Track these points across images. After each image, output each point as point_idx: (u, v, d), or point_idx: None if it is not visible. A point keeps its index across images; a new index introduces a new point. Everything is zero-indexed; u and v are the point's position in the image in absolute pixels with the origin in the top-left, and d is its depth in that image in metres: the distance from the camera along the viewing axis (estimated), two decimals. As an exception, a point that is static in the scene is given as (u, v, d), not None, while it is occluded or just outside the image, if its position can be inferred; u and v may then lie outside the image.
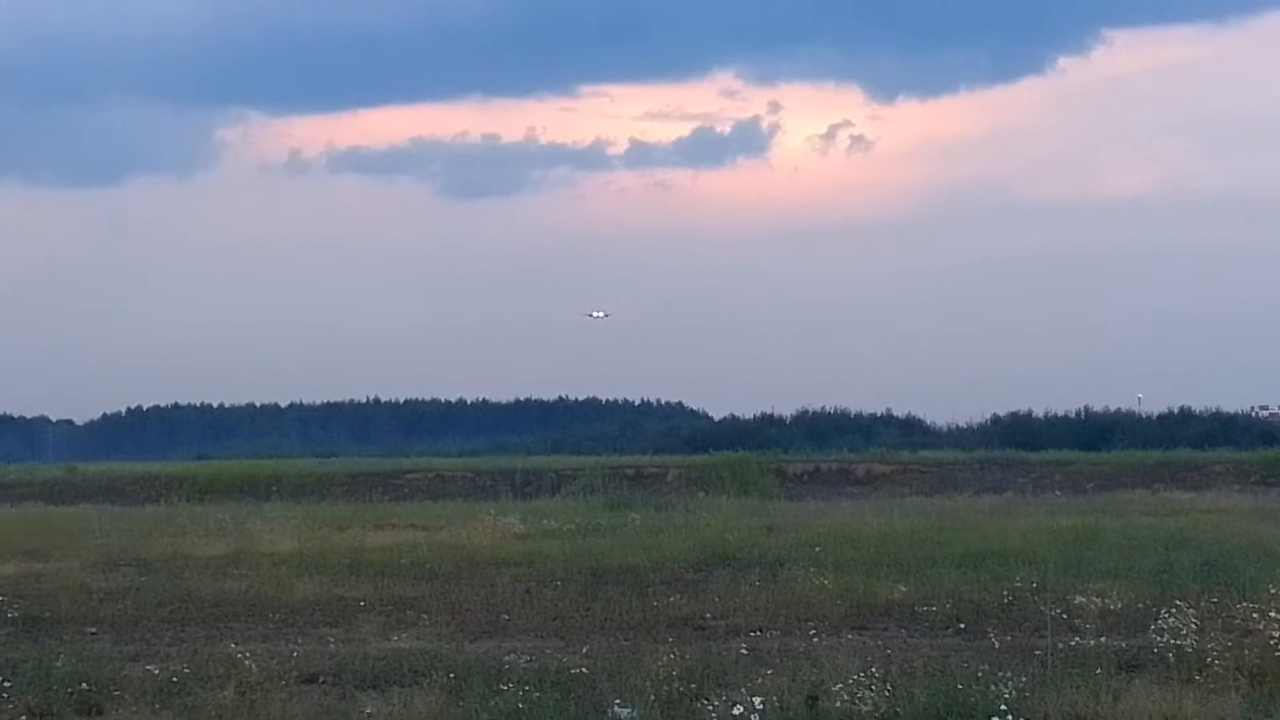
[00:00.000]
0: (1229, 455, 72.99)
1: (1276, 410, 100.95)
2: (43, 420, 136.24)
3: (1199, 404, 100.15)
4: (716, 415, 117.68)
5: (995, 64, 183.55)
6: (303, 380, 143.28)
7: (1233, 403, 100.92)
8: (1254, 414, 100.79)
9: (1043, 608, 21.67)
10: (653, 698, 16.36)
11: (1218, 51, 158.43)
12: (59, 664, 18.93)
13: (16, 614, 24.95)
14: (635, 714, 15.92)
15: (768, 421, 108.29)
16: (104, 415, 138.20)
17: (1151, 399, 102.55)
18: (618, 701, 16.30)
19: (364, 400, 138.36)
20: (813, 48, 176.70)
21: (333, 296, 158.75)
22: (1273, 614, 18.17)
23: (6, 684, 17.46)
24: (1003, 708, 15.14)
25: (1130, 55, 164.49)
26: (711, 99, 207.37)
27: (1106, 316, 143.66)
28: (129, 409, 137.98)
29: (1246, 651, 17.51)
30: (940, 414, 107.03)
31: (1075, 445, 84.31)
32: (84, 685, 17.61)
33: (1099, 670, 17.13)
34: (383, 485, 71.68)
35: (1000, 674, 16.44)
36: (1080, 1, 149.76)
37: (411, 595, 26.95)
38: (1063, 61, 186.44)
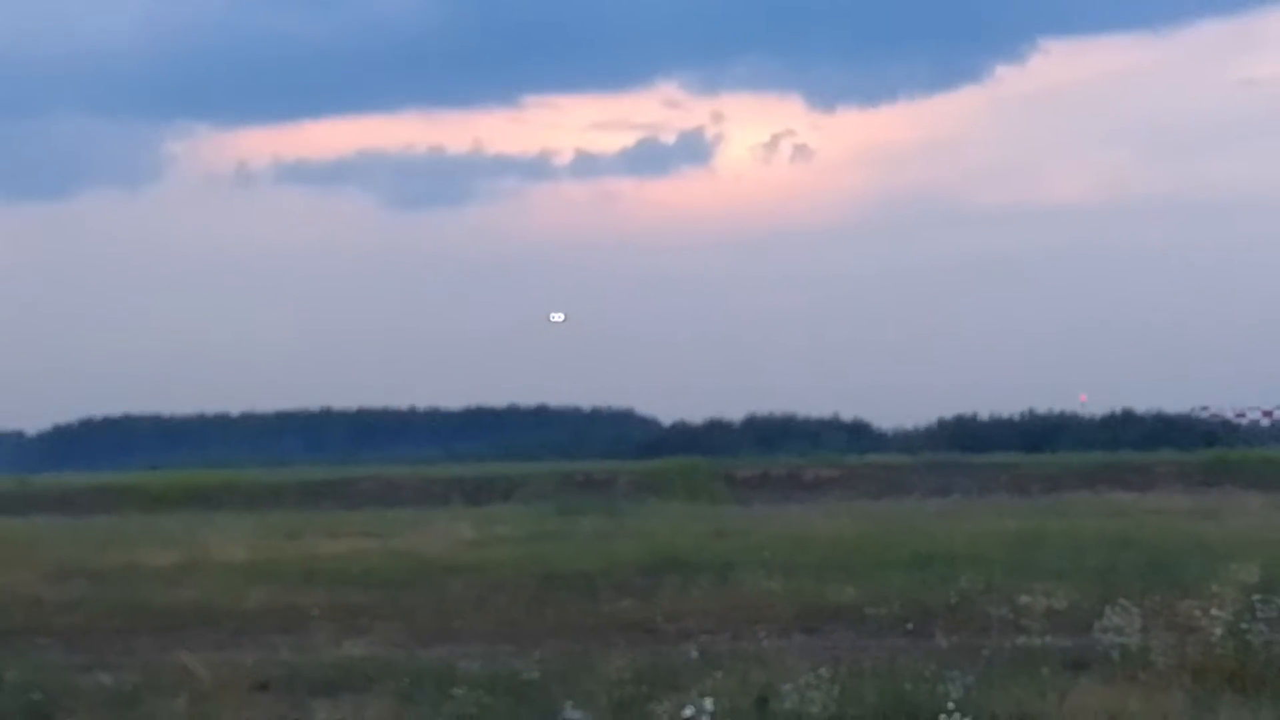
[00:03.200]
0: (1172, 456, 73.56)
1: (1217, 411, 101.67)
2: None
3: (1141, 405, 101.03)
4: (666, 421, 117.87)
5: (934, 73, 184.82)
6: (253, 390, 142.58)
7: (1174, 404, 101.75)
8: (1195, 415, 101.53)
9: (989, 608, 21.89)
10: (605, 701, 16.51)
11: (1154, 59, 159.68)
12: (10, 675, 18.95)
13: (-33, 626, 24.92)
14: (588, 717, 16.08)
15: (716, 427, 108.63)
16: (55, 426, 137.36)
17: (1095, 401, 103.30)
18: (570, 704, 16.45)
19: (315, 409, 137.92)
20: (754, 57, 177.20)
21: (282, 306, 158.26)
22: (1215, 611, 18.39)
23: (-42, 695, 17.50)
24: (950, 706, 15.31)
25: (1067, 64, 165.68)
26: (655, 109, 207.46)
27: (1049, 320, 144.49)
28: (80, 420, 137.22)
29: (1189, 649, 17.74)
30: (887, 418, 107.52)
31: (1020, 447, 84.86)
32: (35, 696, 17.64)
33: (1045, 669, 17.34)
34: (334, 494, 71.58)
35: (948, 673, 16.62)
36: (1017, 11, 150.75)
37: (363, 602, 27.03)
38: (1000, 70, 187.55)
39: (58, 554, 37.88)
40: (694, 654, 19.80)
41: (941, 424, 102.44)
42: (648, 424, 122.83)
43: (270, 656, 21.02)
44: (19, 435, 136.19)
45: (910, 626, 22.98)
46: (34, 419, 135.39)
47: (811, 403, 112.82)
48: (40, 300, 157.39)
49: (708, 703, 15.34)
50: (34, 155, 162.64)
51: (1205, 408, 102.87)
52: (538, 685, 17.55)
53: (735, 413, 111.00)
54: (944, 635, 21.47)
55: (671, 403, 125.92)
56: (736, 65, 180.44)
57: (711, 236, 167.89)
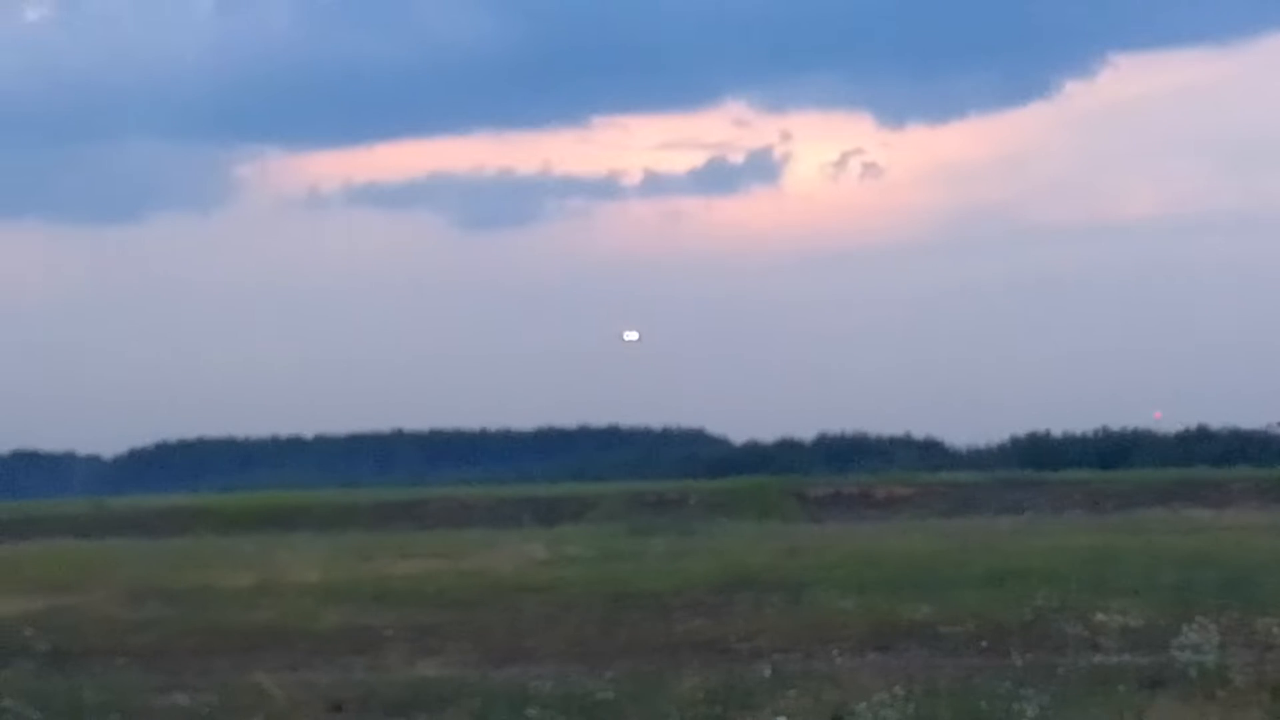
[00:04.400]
0: (1248, 472, 72.80)
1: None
2: (70, 455, 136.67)
3: (1217, 422, 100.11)
4: (737, 440, 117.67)
5: (1003, 89, 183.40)
6: (326, 412, 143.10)
7: (1250, 420, 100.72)
8: (1272, 430, 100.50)
9: (1064, 626, 21.76)
10: (678, 720, 16.52)
11: (1223, 73, 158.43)
12: (88, 696, 19.11)
13: (46, 647, 25.09)
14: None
15: (787, 446, 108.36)
16: (131, 450, 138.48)
17: (1170, 417, 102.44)
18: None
19: (387, 431, 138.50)
20: (822, 75, 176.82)
21: (354, 329, 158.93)
22: (1293, 629, 18.26)
23: (37, 716, 17.65)
24: (1025, 725, 15.26)
25: (1136, 78, 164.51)
26: (724, 128, 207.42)
27: (1122, 336, 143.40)
28: (156, 443, 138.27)
29: (1268, 667, 17.60)
30: (959, 435, 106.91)
31: (1094, 464, 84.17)
32: (113, 717, 17.79)
33: (1121, 688, 17.22)
34: (406, 515, 71.77)
35: (1023, 692, 16.54)
36: (1085, 26, 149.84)
37: (436, 623, 27.10)
38: (1069, 86, 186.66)
39: (134, 575, 38.17)
40: (767, 673, 19.76)
41: (1014, 441, 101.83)
42: (718, 443, 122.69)
43: (344, 677, 21.12)
44: (95, 459, 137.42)
45: (985, 645, 22.84)
46: (110, 443, 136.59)
47: (883, 421, 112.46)
48: (114, 324, 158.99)
49: (781, 722, 15.32)
50: (106, 179, 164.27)
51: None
52: (611, 705, 17.55)
53: (806, 432, 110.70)
54: (1019, 653, 21.32)
55: (742, 422, 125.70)
56: (804, 83, 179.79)
57: (781, 255, 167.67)
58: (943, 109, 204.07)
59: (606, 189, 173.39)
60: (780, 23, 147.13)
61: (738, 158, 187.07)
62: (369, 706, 18.73)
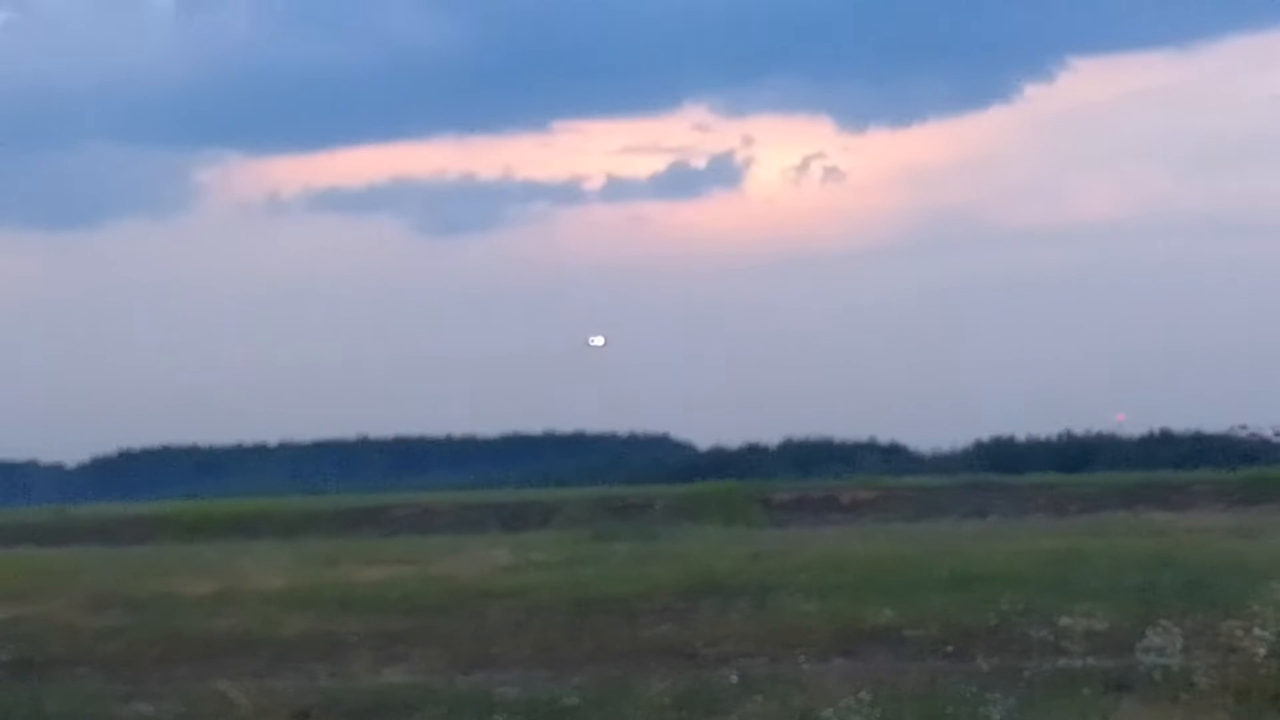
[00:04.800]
0: (1210, 475, 73.06)
1: (1256, 430, 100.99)
2: (32, 464, 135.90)
3: (1179, 425, 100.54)
4: (702, 445, 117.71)
5: (962, 92, 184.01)
6: (290, 419, 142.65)
7: (1213, 423, 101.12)
8: (1234, 434, 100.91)
9: (1029, 629, 21.80)
10: (644, 726, 16.50)
11: (1183, 77, 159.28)
12: (51, 705, 19.02)
13: (7, 657, 24.97)
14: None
15: (752, 451, 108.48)
16: (93, 458, 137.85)
17: (1133, 421, 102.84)
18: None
19: (351, 438, 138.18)
20: (782, 79, 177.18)
21: (316, 335, 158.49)
22: (1257, 631, 18.29)
23: (0, 725, 17.58)
24: (991, 729, 15.28)
25: (1095, 81, 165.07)
26: (685, 132, 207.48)
27: (1085, 339, 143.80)
28: (119, 451, 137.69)
29: (1232, 669, 17.65)
30: (923, 440, 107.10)
31: (1057, 468, 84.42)
32: (77, 726, 17.73)
33: (1086, 691, 17.27)
34: (371, 521, 71.64)
35: (988, 695, 16.57)
36: (1043, 29, 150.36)
37: (401, 629, 27.03)
38: (1029, 89, 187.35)
39: (96, 583, 37.98)
40: (733, 678, 19.76)
41: (978, 445, 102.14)
42: (683, 448, 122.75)
43: (309, 684, 21.05)
44: (58, 467, 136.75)
45: (950, 649, 22.89)
46: (72, 451, 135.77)
47: (847, 426, 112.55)
48: (74, 331, 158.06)
49: (747, 727, 15.31)
50: (63, 184, 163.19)
51: (1244, 426, 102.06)
52: (576, 711, 17.54)
53: (771, 436, 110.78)
54: (984, 657, 21.37)
55: (707, 427, 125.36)
56: (765, 87, 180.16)
57: (744, 260, 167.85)
58: (903, 112, 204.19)
59: (568, 194, 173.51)
60: (740, 26, 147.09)
61: (699, 162, 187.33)
62: (334, 714, 18.68)
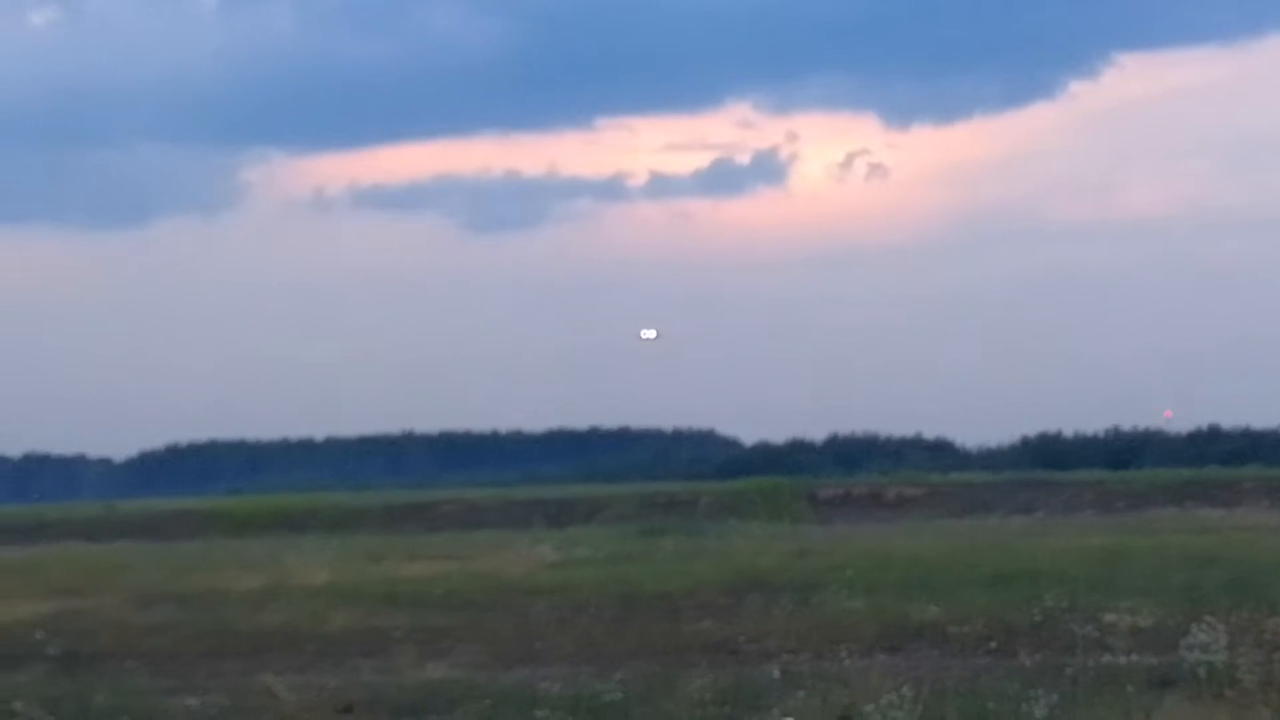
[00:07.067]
0: (1258, 472, 72.83)
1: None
2: (81, 459, 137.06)
3: (1227, 421, 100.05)
4: (748, 441, 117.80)
5: (1007, 89, 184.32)
6: (336, 414, 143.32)
7: (1261, 419, 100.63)
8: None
9: (1073, 626, 21.74)
10: (687, 721, 16.52)
11: (1228, 72, 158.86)
12: (99, 699, 19.16)
13: (56, 651, 25.17)
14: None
15: (798, 447, 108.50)
16: (141, 453, 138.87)
17: (1181, 417, 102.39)
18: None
19: (397, 433, 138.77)
20: (827, 76, 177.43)
21: (364, 331, 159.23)
22: (1302, 629, 18.24)
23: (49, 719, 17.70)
24: (1034, 725, 15.25)
25: (1140, 78, 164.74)
26: (729, 130, 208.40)
27: (1132, 336, 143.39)
28: (166, 446, 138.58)
29: (1276, 666, 17.56)
30: (969, 436, 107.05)
31: (1105, 465, 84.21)
32: (123, 719, 17.84)
33: (1130, 687, 17.20)
34: (416, 517, 71.89)
35: (1031, 692, 16.53)
36: (1089, 26, 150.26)
37: (445, 625, 27.13)
38: (1074, 86, 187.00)
39: (144, 579, 38.24)
40: (776, 674, 19.77)
41: (1025, 442, 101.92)
42: (729, 444, 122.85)
43: (353, 679, 21.15)
44: (107, 462, 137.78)
45: (994, 645, 22.85)
46: (121, 446, 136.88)
47: (894, 422, 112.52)
48: (123, 327, 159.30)
49: (790, 723, 15.33)
50: (113, 184, 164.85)
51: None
52: (620, 706, 17.57)
53: (817, 433, 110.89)
54: (1028, 654, 21.33)
55: (753, 423, 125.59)
56: (809, 84, 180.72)
57: (788, 256, 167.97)
58: (948, 109, 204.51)
59: (613, 190, 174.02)
60: (785, 24, 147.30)
61: (744, 159, 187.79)
62: (378, 708, 18.75)
